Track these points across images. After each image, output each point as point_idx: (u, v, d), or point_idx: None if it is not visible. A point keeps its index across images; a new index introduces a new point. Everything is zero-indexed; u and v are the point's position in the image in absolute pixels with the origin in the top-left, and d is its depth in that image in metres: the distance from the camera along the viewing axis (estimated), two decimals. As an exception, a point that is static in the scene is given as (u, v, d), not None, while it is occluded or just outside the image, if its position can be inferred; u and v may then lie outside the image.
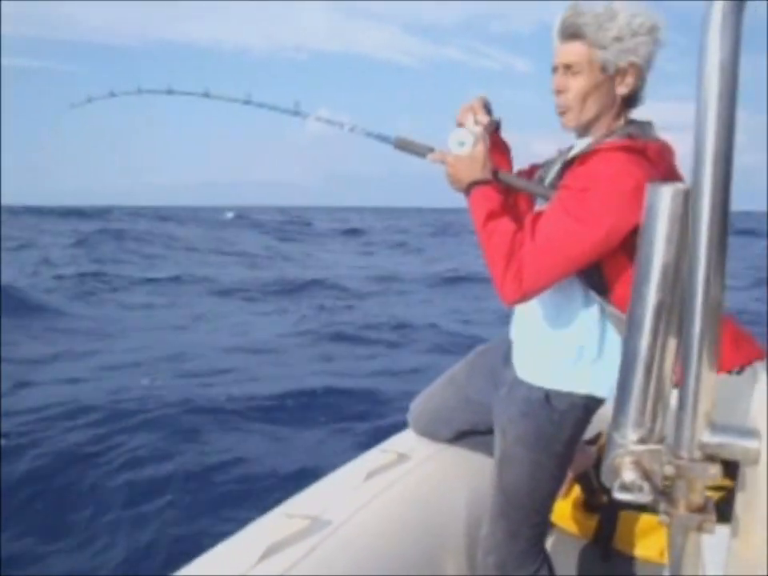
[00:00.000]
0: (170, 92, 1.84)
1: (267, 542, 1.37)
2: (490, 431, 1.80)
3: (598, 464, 2.19)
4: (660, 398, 0.66)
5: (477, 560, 1.69)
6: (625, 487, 0.66)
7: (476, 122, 1.59)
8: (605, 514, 2.05)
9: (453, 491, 1.86)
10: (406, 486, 1.75)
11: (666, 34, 1.46)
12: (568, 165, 1.51)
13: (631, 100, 1.51)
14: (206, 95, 1.81)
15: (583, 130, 1.55)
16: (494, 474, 1.67)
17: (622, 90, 1.48)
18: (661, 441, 0.67)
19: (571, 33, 1.47)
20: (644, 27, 1.43)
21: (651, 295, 0.64)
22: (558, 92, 1.52)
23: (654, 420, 0.67)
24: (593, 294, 1.50)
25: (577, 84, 1.49)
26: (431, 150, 1.63)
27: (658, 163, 1.43)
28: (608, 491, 2.07)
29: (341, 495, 1.65)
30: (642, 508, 1.99)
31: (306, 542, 1.42)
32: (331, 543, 1.46)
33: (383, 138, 1.68)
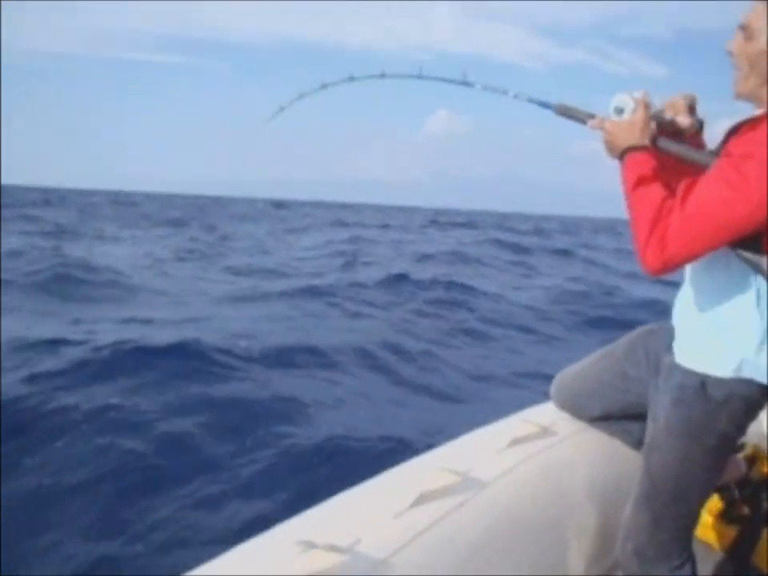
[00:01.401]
0: (351, 79, 1.90)
1: (420, 490, 1.38)
2: (639, 417, 1.73)
3: (743, 478, 2.07)
4: None
5: (615, 544, 1.64)
6: None
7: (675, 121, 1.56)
8: (746, 528, 1.94)
9: (594, 473, 1.81)
10: (550, 459, 1.72)
11: None
12: (733, 132, 1.41)
13: None
14: (383, 75, 1.88)
15: (757, 101, 1.44)
16: (642, 459, 1.61)
17: None
18: None
19: None
20: None
21: None
22: (728, 53, 1.45)
23: None
24: (755, 277, 1.40)
25: (745, 48, 1.42)
26: (591, 116, 1.60)
27: None
28: (751, 504, 1.99)
29: (486, 457, 1.64)
30: None
31: (456, 496, 1.42)
32: (478, 502, 1.45)
33: (545, 105, 1.69)
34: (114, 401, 4.73)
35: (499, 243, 23.66)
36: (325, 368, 6.25)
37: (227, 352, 6.18)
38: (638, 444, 1.75)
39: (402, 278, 12.16)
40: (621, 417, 1.85)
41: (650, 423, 1.62)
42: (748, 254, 1.37)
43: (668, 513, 1.57)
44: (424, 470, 1.51)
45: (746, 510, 1.98)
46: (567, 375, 1.96)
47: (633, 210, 1.43)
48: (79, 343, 6.07)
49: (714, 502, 2.03)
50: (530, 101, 1.70)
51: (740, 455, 2.13)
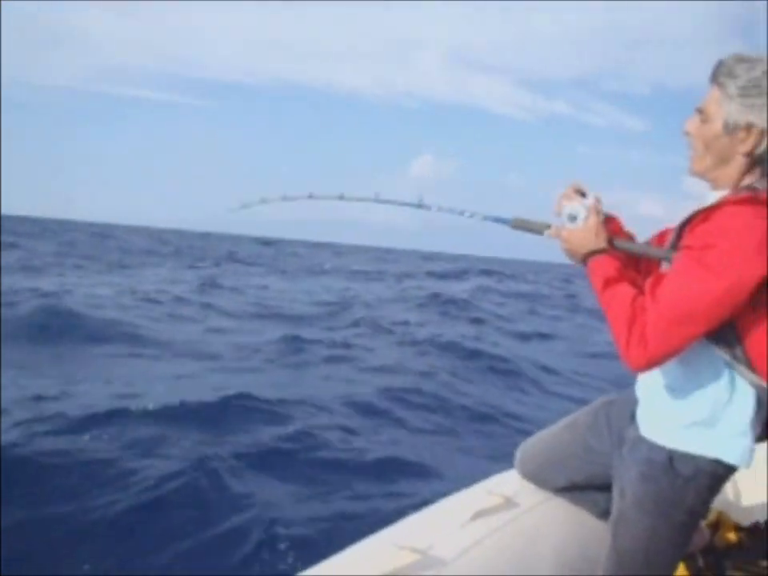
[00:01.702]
0: (310, 197, 1.97)
1: (378, 571, 1.33)
2: (604, 488, 1.72)
3: (707, 545, 2.06)
4: None
5: None
6: None
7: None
8: (712, 597, 1.92)
9: (560, 544, 1.78)
10: (514, 532, 1.69)
11: None
12: (687, 223, 1.45)
13: (758, 162, 1.45)
14: (342, 198, 1.94)
15: (712, 182, 1.50)
16: (609, 533, 1.60)
17: (743, 148, 1.43)
18: None
19: (712, 75, 1.45)
20: None
21: None
22: (685, 133, 1.51)
23: None
24: (722, 355, 1.42)
25: (700, 130, 1.47)
26: (548, 226, 1.64)
27: None
28: (714, 572, 1.97)
29: (447, 532, 1.60)
30: None
31: None
32: None
33: (501, 220, 1.72)
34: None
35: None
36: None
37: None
38: (603, 514, 1.74)
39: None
40: (586, 487, 1.84)
41: (616, 496, 1.61)
42: (721, 351, 1.41)
43: None
44: (383, 549, 1.47)
45: None
46: (531, 446, 1.95)
47: (607, 311, 1.45)
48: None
49: (680, 571, 2.01)
50: (486, 218, 1.74)
51: (703, 522, 2.12)
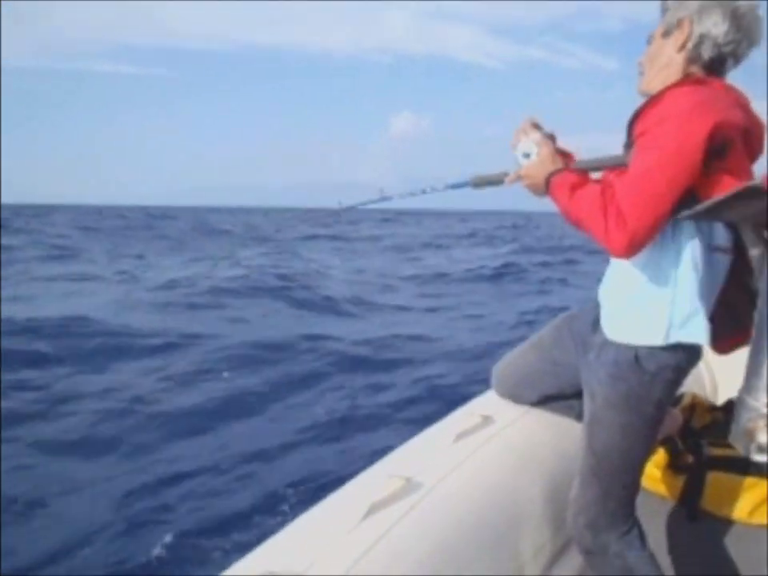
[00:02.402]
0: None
1: (369, 501, 1.43)
2: (576, 395, 1.82)
3: (683, 427, 2.18)
4: None
5: (567, 520, 1.72)
6: (761, 449, 0.67)
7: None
8: (691, 475, 2.05)
9: (539, 454, 1.89)
10: (494, 448, 1.79)
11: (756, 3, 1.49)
12: (634, 119, 1.53)
13: (695, 59, 1.53)
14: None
15: (657, 88, 1.56)
16: (583, 437, 1.69)
17: (676, 43, 1.54)
18: None
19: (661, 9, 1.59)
20: None
21: None
22: (638, 65, 1.64)
23: None
24: (681, 240, 1.50)
25: (647, 52, 1.61)
26: (505, 174, 1.69)
27: (726, 93, 1.49)
28: (694, 452, 2.10)
29: (432, 457, 1.71)
30: (731, 468, 1.98)
31: (404, 502, 1.48)
32: (426, 504, 1.51)
33: (461, 185, 1.77)
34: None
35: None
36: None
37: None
38: (579, 416, 1.84)
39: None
40: (559, 396, 1.95)
41: (587, 400, 1.70)
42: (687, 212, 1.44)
43: (615, 483, 1.66)
44: (374, 480, 1.57)
45: (690, 459, 2.08)
46: (503, 367, 2.05)
47: (578, 214, 1.49)
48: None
49: (660, 455, 2.13)
50: (446, 188, 1.80)
51: (677, 407, 2.24)
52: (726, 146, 1.42)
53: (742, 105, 1.52)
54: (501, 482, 1.72)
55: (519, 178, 1.65)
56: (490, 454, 1.77)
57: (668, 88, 1.49)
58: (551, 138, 1.69)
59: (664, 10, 1.58)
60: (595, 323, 1.73)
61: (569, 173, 1.57)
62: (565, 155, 1.69)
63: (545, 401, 1.98)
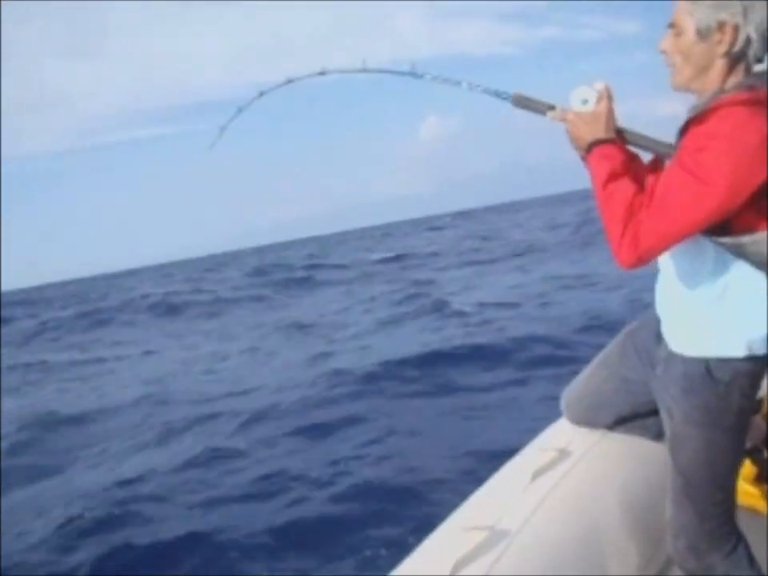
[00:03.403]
0: (289, 81, 1.80)
1: (453, 558, 1.42)
2: (651, 412, 1.77)
3: (766, 435, 2.10)
4: None
5: (666, 544, 1.66)
6: None
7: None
8: (784, 486, 1.97)
9: (619, 482, 1.84)
10: (573, 482, 1.75)
11: None
12: (688, 125, 1.45)
13: (739, 59, 1.43)
14: (323, 73, 1.78)
15: (696, 92, 1.49)
16: (668, 456, 1.64)
17: (720, 49, 1.42)
18: None
19: None
20: None
21: None
22: (661, 52, 1.50)
23: None
24: (730, 258, 1.44)
25: (676, 45, 1.46)
26: (552, 107, 1.58)
27: None
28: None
29: (510, 500, 1.68)
30: None
31: (489, 554, 1.46)
32: (512, 554, 1.48)
33: (501, 95, 1.63)
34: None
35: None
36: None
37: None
38: (657, 436, 1.79)
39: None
40: (634, 417, 1.89)
41: (665, 418, 1.64)
42: (725, 240, 1.40)
43: (709, 501, 1.60)
44: (456, 532, 1.55)
45: None
46: (572, 392, 2.00)
47: (604, 207, 1.45)
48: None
49: (748, 468, 2.05)
50: (485, 91, 1.65)
51: (758, 415, 2.15)
52: None
53: None
54: (585, 517, 1.68)
55: (565, 120, 1.54)
56: (570, 489, 1.73)
57: (720, 105, 1.38)
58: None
59: None
60: (658, 336, 1.68)
61: (615, 150, 1.49)
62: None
63: (619, 422, 1.92)
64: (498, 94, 1.64)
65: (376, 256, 31.37)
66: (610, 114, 1.51)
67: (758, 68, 1.45)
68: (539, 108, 1.59)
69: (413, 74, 1.75)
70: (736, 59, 1.43)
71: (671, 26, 1.46)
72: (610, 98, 1.52)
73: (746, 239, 1.38)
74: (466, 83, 1.69)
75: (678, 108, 1.61)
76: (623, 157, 1.49)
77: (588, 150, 1.50)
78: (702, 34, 1.42)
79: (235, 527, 4.36)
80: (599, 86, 1.52)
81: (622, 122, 1.55)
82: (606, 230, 1.44)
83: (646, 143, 1.54)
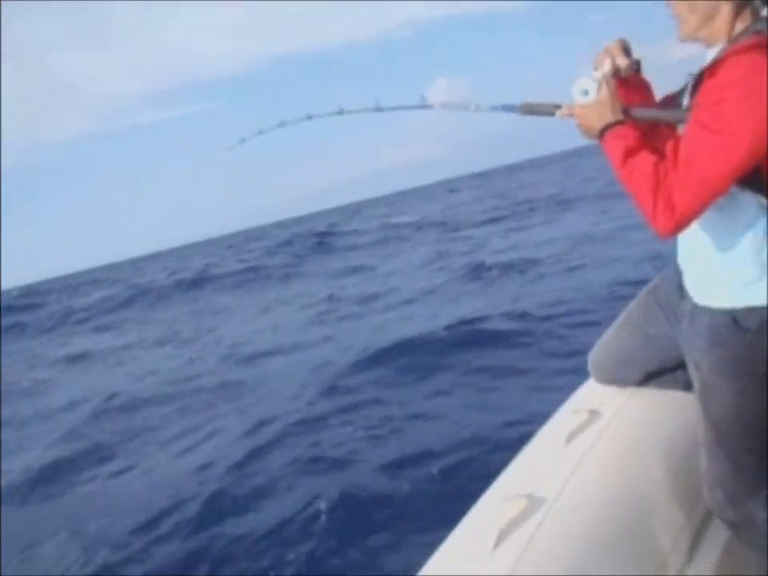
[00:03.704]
0: (308, 117, 1.98)
1: (496, 528, 1.44)
2: (678, 366, 1.77)
3: None
4: None
5: (703, 496, 1.67)
6: None
7: (615, 66, 1.56)
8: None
9: (653, 437, 1.84)
10: (607, 443, 1.76)
11: None
12: (699, 81, 1.44)
13: (745, 3, 1.41)
14: (341, 112, 1.92)
15: (704, 41, 1.48)
16: (698, 409, 1.64)
17: None
18: None
19: None
20: None
21: None
22: (667, 6, 1.49)
23: None
24: (756, 199, 1.43)
25: None
26: (558, 106, 1.62)
27: None
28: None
29: (547, 465, 1.69)
30: None
31: (530, 522, 1.48)
32: (554, 520, 1.49)
33: (510, 108, 1.68)
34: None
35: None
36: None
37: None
38: (686, 387, 1.79)
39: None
40: (661, 371, 1.89)
41: (692, 371, 1.65)
42: (756, 197, 1.41)
43: (743, 450, 1.61)
44: (497, 503, 1.57)
45: None
46: (598, 353, 2.01)
47: (629, 184, 1.45)
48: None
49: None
50: (493, 109, 1.71)
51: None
52: None
53: None
54: (622, 477, 1.69)
55: (573, 115, 1.57)
56: (605, 450, 1.74)
57: (730, 54, 1.36)
58: (637, 65, 1.62)
59: None
60: (681, 289, 1.68)
61: (626, 129, 1.49)
62: (642, 91, 1.63)
63: (647, 378, 1.93)
64: (506, 109, 1.69)
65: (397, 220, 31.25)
66: (614, 98, 1.51)
67: (765, 12, 1.43)
68: (547, 110, 1.63)
69: (424, 107, 1.83)
70: (742, 3, 1.41)
71: None
72: (609, 82, 1.53)
73: None
74: (473, 106, 1.74)
75: (690, 50, 1.61)
76: (636, 133, 1.49)
77: (601, 136, 1.51)
78: None
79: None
80: (597, 73, 1.53)
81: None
82: (638, 204, 1.43)
83: (656, 116, 1.55)
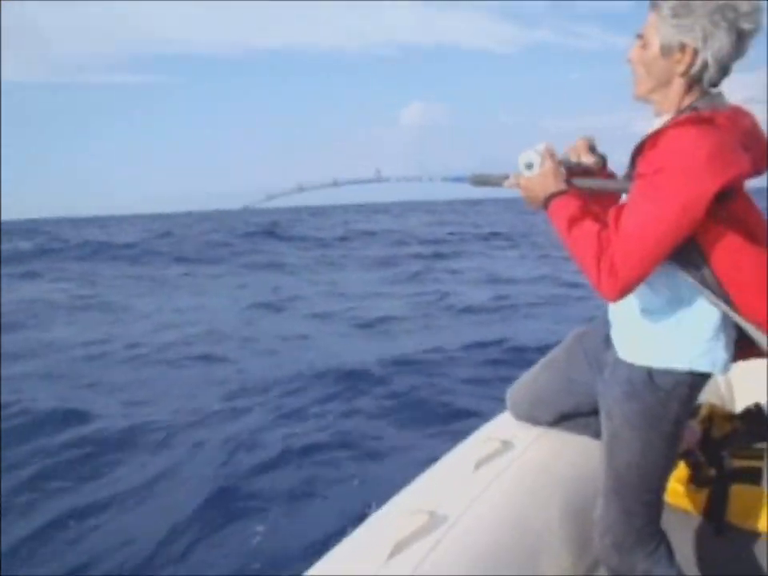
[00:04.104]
0: (301, 189, 2.02)
1: (393, 540, 1.42)
2: (592, 412, 1.81)
3: (702, 439, 2.16)
4: None
5: (593, 541, 1.70)
6: None
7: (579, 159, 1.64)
8: (714, 489, 2.03)
9: (559, 476, 1.87)
10: (514, 474, 1.77)
11: (756, 17, 1.40)
12: (639, 152, 1.49)
13: (696, 81, 1.48)
14: (336, 184, 1.96)
15: (656, 105, 1.54)
16: (603, 456, 1.68)
17: (679, 68, 1.46)
18: None
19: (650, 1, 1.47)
20: (706, 6, 1.39)
21: None
22: (627, 61, 1.55)
23: None
24: (688, 279, 1.48)
25: (641, 56, 1.51)
26: (506, 177, 1.66)
27: (731, 129, 1.41)
28: (715, 465, 2.08)
29: (453, 487, 1.69)
30: (754, 480, 1.97)
31: (429, 538, 1.46)
32: (451, 538, 1.49)
33: (460, 179, 1.74)
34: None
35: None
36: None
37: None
38: (597, 434, 1.83)
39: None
40: (576, 415, 1.93)
41: (604, 419, 1.68)
42: (688, 275, 1.46)
43: (638, 501, 1.64)
44: (397, 515, 1.55)
45: (711, 471, 2.06)
46: (518, 389, 2.03)
47: (574, 251, 1.48)
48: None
49: (681, 469, 2.11)
50: (444, 180, 1.77)
51: (695, 419, 2.22)
52: (732, 194, 1.38)
53: (748, 133, 1.47)
54: (524, 508, 1.71)
55: (519, 186, 1.62)
56: (511, 480, 1.75)
57: (672, 126, 1.43)
58: (603, 161, 1.68)
59: (654, 6, 1.47)
60: (607, 340, 1.72)
61: (569, 198, 1.54)
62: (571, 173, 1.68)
63: (561, 420, 1.97)
64: (456, 179, 1.76)
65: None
66: (556, 170, 1.57)
67: (714, 91, 1.50)
68: (496, 181, 1.68)
69: (380, 180, 1.88)
70: (693, 80, 1.48)
71: (639, 36, 1.51)
72: (552, 155, 1.58)
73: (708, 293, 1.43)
74: (426, 177, 1.83)
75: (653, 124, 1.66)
76: (579, 202, 1.53)
77: (545, 206, 1.56)
78: (665, 51, 1.46)
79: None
80: (540, 147, 1.58)
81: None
82: (583, 271, 1.46)
83: (599, 185, 1.60)
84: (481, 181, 1.70)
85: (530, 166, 1.57)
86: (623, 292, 1.44)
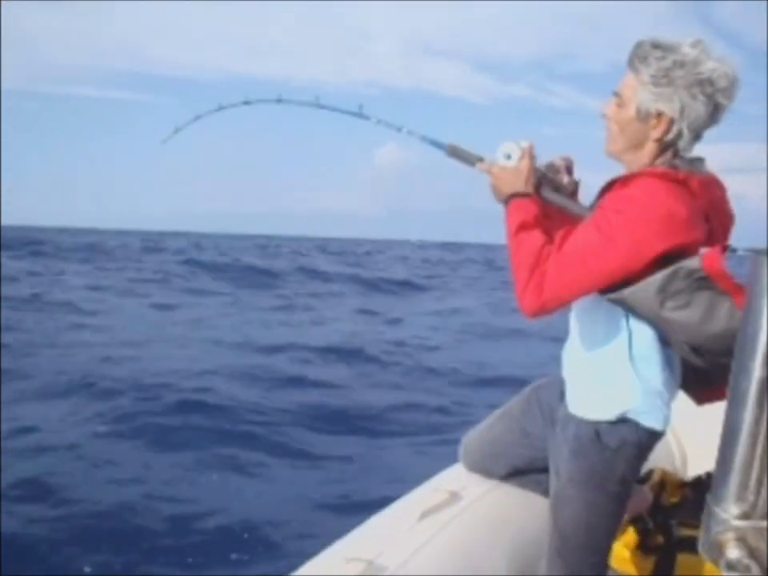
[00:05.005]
0: (246, 102, 1.93)
1: None
2: (545, 469, 1.78)
3: (653, 505, 2.14)
4: (764, 471, 0.64)
5: None
6: (731, 566, 0.63)
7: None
8: (662, 556, 2.01)
9: (506, 532, 1.83)
10: (460, 526, 1.73)
11: (732, 92, 1.44)
12: (607, 188, 1.52)
13: (669, 146, 1.51)
14: (280, 101, 1.90)
15: (626, 164, 1.56)
16: (549, 514, 1.65)
17: (654, 134, 1.49)
18: (765, 517, 0.65)
19: (629, 58, 1.49)
20: (686, 79, 1.42)
21: (756, 369, 0.63)
22: (602, 116, 1.56)
23: (757, 494, 0.65)
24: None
25: (617, 115, 1.53)
26: (480, 159, 1.67)
27: (700, 196, 1.44)
28: (664, 532, 2.06)
29: (395, 536, 1.64)
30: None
31: None
32: None
33: (437, 144, 1.73)
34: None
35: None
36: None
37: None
38: (546, 492, 1.80)
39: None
40: (528, 470, 1.90)
41: (552, 476, 1.66)
42: (611, 295, 1.44)
43: (582, 563, 1.61)
44: (333, 564, 1.50)
45: (660, 539, 2.04)
46: (472, 440, 2.00)
47: (514, 256, 1.49)
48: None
49: (630, 535, 2.09)
50: (423, 139, 1.75)
51: (646, 484, 2.21)
52: (679, 257, 1.38)
53: (715, 204, 1.50)
54: (467, 563, 1.66)
55: (490, 173, 1.62)
56: (456, 533, 1.71)
57: (647, 174, 1.45)
58: (575, 185, 1.69)
59: (634, 68, 1.48)
60: (562, 395, 1.71)
61: (529, 204, 1.55)
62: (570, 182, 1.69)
63: (513, 474, 1.93)
64: (434, 143, 1.74)
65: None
66: (530, 171, 1.58)
67: (695, 156, 1.53)
68: (470, 159, 1.68)
69: (360, 115, 1.85)
70: (666, 146, 1.51)
71: (616, 94, 1.53)
72: (532, 156, 1.59)
73: (626, 292, 1.41)
74: (405, 129, 1.80)
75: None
76: (537, 212, 1.55)
77: (506, 201, 1.57)
78: (641, 116, 1.48)
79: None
80: (524, 143, 1.59)
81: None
82: (513, 276, 1.48)
83: (562, 202, 1.61)
84: (456, 153, 1.69)
85: (508, 157, 1.58)
86: (542, 310, 1.44)
